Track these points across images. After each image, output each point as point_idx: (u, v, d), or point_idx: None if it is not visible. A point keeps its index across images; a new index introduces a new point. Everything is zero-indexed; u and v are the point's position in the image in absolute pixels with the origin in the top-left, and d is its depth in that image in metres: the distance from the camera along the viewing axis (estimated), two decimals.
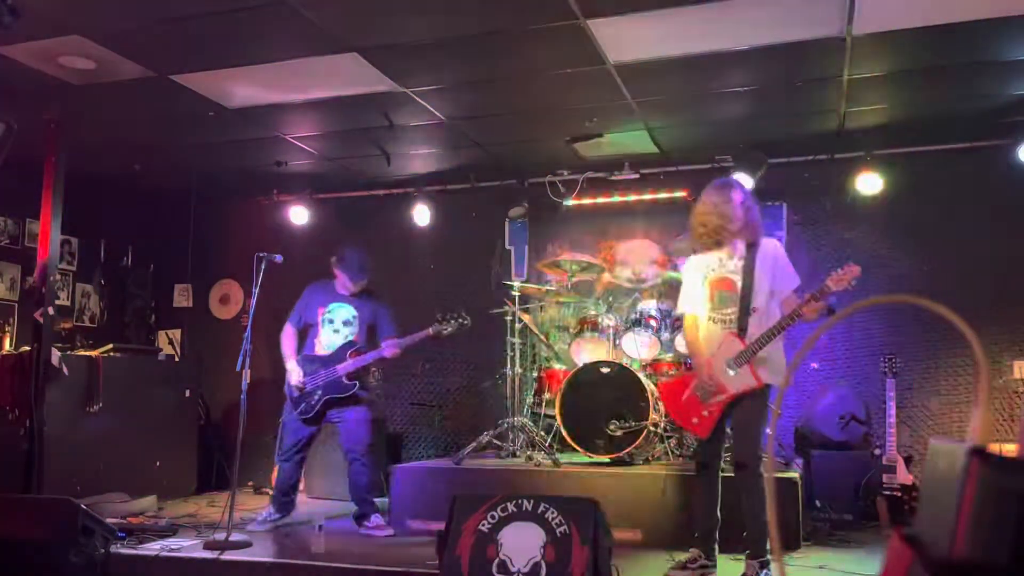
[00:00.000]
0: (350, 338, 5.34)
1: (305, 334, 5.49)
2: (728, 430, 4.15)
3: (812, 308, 3.82)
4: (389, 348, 5.27)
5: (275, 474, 5.50)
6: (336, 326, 5.37)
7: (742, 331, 3.92)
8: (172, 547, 4.51)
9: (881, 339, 6.27)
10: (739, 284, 3.97)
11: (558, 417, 5.41)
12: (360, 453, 5.22)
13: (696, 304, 4.10)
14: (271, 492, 6.86)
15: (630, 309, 5.99)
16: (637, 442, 5.22)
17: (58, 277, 6.13)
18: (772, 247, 4.07)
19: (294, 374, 5.27)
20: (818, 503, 5.49)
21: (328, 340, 5.35)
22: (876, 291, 6.19)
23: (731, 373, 3.90)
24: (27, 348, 5.74)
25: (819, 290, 3.83)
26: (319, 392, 5.22)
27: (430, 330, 5.35)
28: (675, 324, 5.73)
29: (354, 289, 5.41)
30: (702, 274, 4.09)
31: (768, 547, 3.86)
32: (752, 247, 4.01)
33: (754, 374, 3.89)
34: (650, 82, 5.26)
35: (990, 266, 6.05)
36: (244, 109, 5.73)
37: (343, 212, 7.64)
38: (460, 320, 5.40)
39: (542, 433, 5.80)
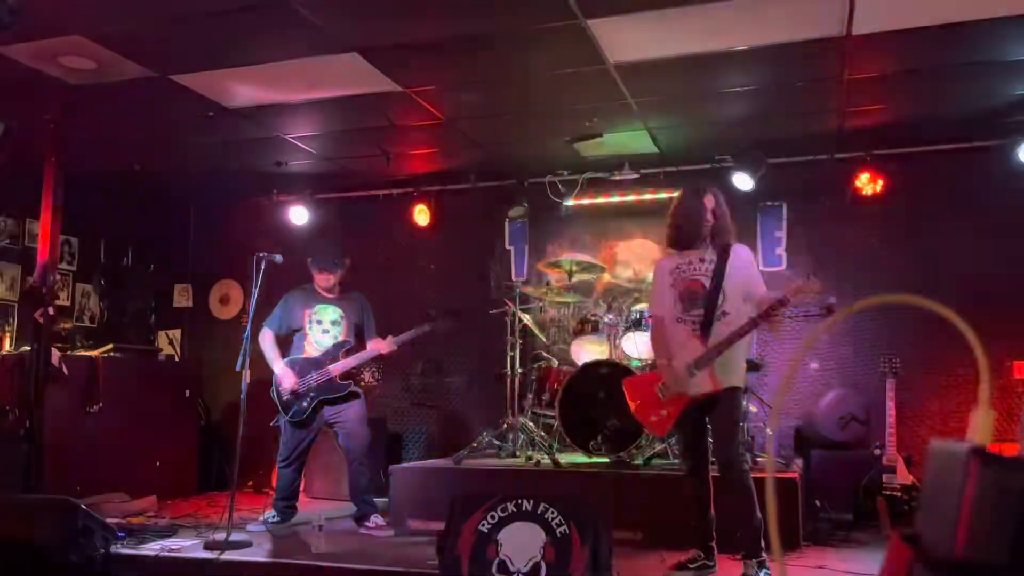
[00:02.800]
0: (340, 338, 5.33)
1: (289, 340, 5.44)
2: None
3: (774, 320, 3.83)
4: (384, 345, 5.27)
5: (275, 478, 5.50)
6: (325, 326, 5.34)
7: (706, 334, 3.94)
8: (172, 547, 4.51)
9: (881, 339, 6.27)
10: (707, 287, 3.99)
11: (558, 417, 5.41)
12: (360, 453, 5.22)
13: (665, 305, 4.12)
14: (272, 493, 6.87)
15: (630, 309, 5.99)
16: (637, 442, 5.22)
17: (58, 277, 6.13)
18: (743, 253, 4.10)
19: (286, 378, 5.21)
20: (818, 503, 5.49)
21: (318, 340, 5.32)
22: (875, 291, 6.17)
23: (690, 377, 3.92)
24: (27, 348, 5.74)
25: (778, 301, 3.83)
26: (312, 394, 5.19)
27: (426, 326, 5.36)
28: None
29: (334, 283, 5.38)
30: (672, 276, 4.11)
31: (763, 546, 3.87)
32: (724, 252, 4.03)
33: (712, 379, 3.91)
34: (650, 82, 5.26)
35: (990, 266, 6.05)
36: (244, 109, 5.73)
37: (343, 212, 7.64)
38: (452, 315, 5.42)
39: (542, 433, 5.80)
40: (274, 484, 5.83)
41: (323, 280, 5.36)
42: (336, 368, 5.20)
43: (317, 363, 5.24)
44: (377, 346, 5.28)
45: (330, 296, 5.39)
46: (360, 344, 5.38)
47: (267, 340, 5.35)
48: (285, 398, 5.21)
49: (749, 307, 4.00)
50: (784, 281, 6.24)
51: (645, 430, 5.12)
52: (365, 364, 5.44)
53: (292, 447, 5.28)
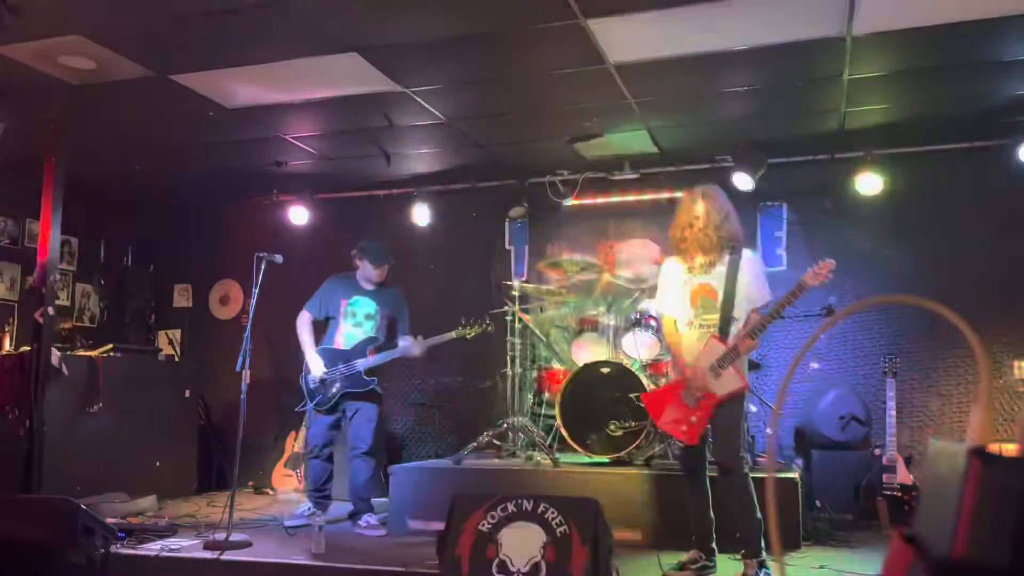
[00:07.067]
0: (371, 333, 5.38)
1: (323, 325, 5.50)
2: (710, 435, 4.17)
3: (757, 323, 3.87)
4: (415, 348, 5.31)
5: (301, 472, 5.57)
6: (358, 319, 5.41)
7: (724, 336, 3.94)
8: (172, 547, 4.51)
9: (881, 339, 6.26)
10: (720, 291, 4.00)
11: (558, 417, 5.41)
12: (363, 451, 5.28)
13: (675, 308, 4.12)
14: (271, 492, 6.89)
15: (630, 309, 5.99)
16: (637, 442, 5.21)
17: (58, 277, 6.12)
18: (753, 259, 4.12)
19: (315, 367, 5.29)
20: (818, 503, 5.49)
21: (349, 334, 5.39)
22: (876, 291, 6.19)
23: (716, 377, 3.91)
24: (27, 348, 5.74)
25: (797, 286, 3.87)
26: (337, 384, 5.26)
27: (453, 333, 5.41)
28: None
29: (377, 279, 5.43)
30: (681, 279, 4.11)
31: (763, 546, 3.88)
32: (734, 256, 4.03)
33: (740, 375, 3.92)
34: (650, 82, 5.26)
35: (990, 266, 6.05)
36: (244, 109, 5.72)
37: (343, 212, 7.64)
38: (484, 326, 5.47)
39: (542, 433, 5.80)
40: (274, 483, 5.85)
41: (372, 272, 5.40)
42: (362, 363, 5.25)
43: (346, 356, 5.31)
44: (407, 347, 5.31)
45: (369, 287, 5.43)
46: (391, 340, 5.41)
47: (304, 323, 5.47)
48: (312, 385, 5.31)
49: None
50: (780, 280, 6.27)
51: (647, 434, 5.13)
52: (391, 363, 5.49)
53: (318, 438, 5.38)
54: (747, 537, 3.90)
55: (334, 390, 5.27)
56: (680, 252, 4.14)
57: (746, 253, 4.09)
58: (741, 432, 4.11)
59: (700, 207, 4.07)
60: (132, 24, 4.49)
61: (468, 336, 5.49)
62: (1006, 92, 5.40)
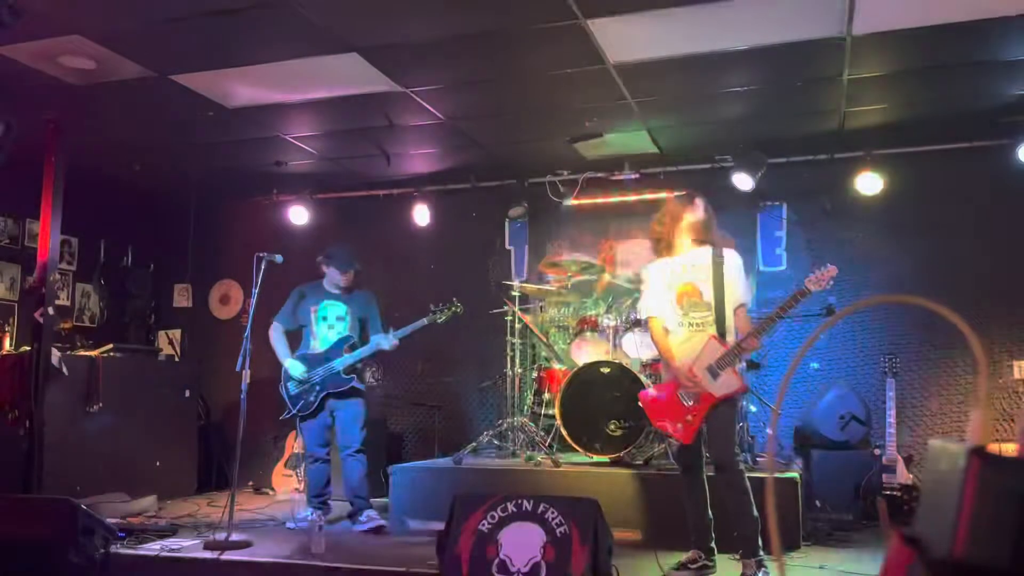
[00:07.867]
0: (344, 333, 5.38)
1: (297, 334, 5.51)
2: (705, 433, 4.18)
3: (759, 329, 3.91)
4: (387, 340, 5.32)
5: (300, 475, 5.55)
6: (330, 322, 5.43)
7: (722, 336, 3.95)
8: (172, 547, 4.51)
9: (881, 339, 6.26)
10: (709, 290, 4.02)
11: (558, 417, 5.41)
12: (354, 449, 5.29)
13: (663, 309, 4.13)
14: (271, 493, 6.88)
15: (630, 309, 5.99)
16: (637, 442, 5.22)
17: (58, 277, 6.12)
18: (737, 258, 4.14)
19: (295, 368, 5.31)
20: (818, 503, 5.49)
21: (323, 336, 5.41)
22: (876, 291, 6.19)
23: (713, 378, 3.92)
24: (27, 348, 5.74)
25: (799, 292, 3.89)
26: (317, 388, 5.26)
27: (424, 320, 5.41)
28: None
29: (344, 284, 5.43)
30: (667, 280, 4.13)
31: (761, 545, 3.88)
32: (719, 256, 4.06)
33: (738, 377, 3.94)
34: (650, 82, 5.26)
35: (990, 266, 6.05)
36: (244, 109, 5.72)
37: (343, 212, 7.64)
38: (453, 308, 5.46)
39: (542, 433, 5.80)
40: (274, 483, 5.85)
41: (339, 279, 5.42)
42: (339, 363, 5.25)
43: (322, 358, 5.32)
44: (379, 340, 5.33)
45: (337, 292, 5.44)
46: (365, 340, 5.43)
47: (276, 334, 5.47)
48: (294, 391, 5.30)
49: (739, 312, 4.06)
50: (780, 280, 6.28)
51: (647, 434, 5.13)
52: (368, 360, 5.49)
53: (314, 443, 5.38)
54: (745, 537, 3.91)
55: (315, 395, 5.27)
56: (668, 252, 4.15)
57: (729, 252, 4.11)
58: (736, 431, 4.12)
59: (701, 208, 4.09)
60: (132, 24, 4.50)
61: (439, 320, 5.48)
62: (1006, 92, 5.41)
